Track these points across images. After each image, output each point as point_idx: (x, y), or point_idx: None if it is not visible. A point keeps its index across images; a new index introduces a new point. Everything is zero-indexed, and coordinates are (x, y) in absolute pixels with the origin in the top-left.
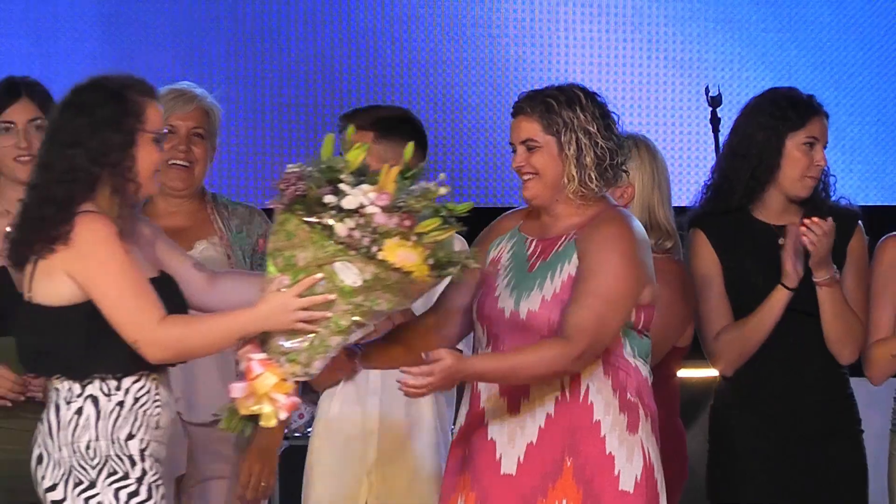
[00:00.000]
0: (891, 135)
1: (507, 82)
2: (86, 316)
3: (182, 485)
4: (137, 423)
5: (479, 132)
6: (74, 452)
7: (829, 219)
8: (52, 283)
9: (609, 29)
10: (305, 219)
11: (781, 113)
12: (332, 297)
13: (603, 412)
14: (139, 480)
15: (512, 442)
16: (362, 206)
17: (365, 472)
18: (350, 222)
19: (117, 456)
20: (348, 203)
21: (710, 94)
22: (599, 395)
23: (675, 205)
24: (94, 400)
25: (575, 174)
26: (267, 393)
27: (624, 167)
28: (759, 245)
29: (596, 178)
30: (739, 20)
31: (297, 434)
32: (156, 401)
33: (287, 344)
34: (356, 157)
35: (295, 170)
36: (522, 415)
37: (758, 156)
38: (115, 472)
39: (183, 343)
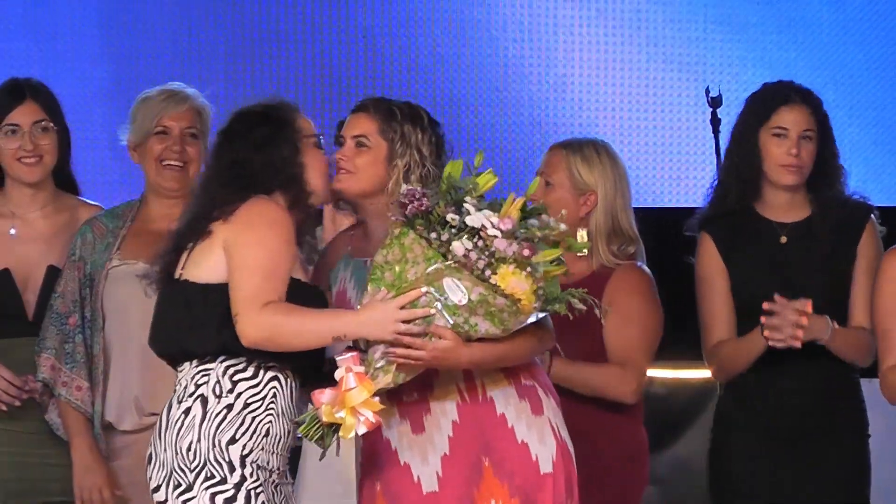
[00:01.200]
0: (891, 135)
1: (507, 83)
2: (226, 295)
3: None
4: (243, 428)
5: (478, 132)
6: (177, 454)
7: (801, 301)
8: (206, 259)
9: (609, 30)
10: (424, 235)
11: (751, 107)
12: (433, 311)
13: (504, 404)
14: (237, 486)
15: (425, 460)
16: (484, 228)
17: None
18: (468, 242)
19: (216, 460)
20: (471, 221)
21: (711, 94)
22: (496, 389)
23: (677, 205)
24: (204, 401)
25: (401, 185)
26: (355, 407)
27: None
28: (763, 244)
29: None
30: (739, 21)
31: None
32: (269, 408)
33: (382, 362)
34: (485, 182)
35: (418, 187)
36: (429, 430)
37: (739, 154)
38: (212, 476)
39: (277, 329)
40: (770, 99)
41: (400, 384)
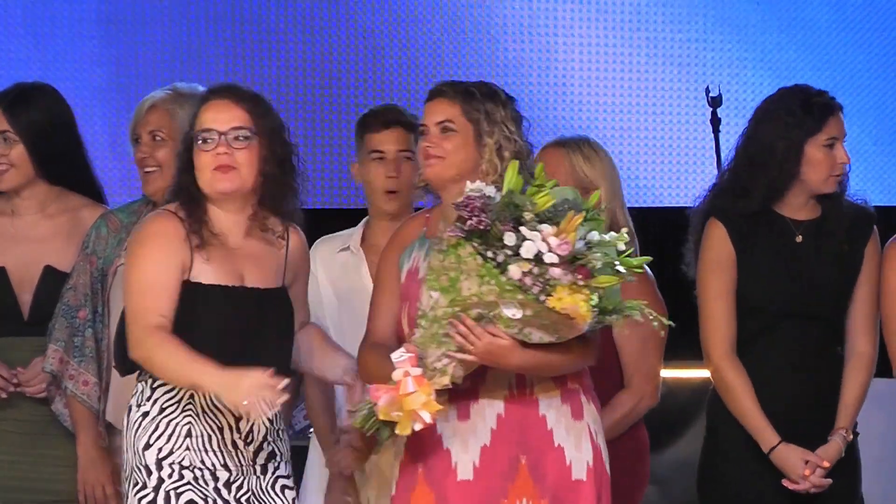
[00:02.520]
0: (891, 135)
1: (507, 83)
2: None
3: None
4: (157, 433)
5: None
6: (134, 455)
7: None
8: None
9: (609, 30)
10: (481, 251)
11: (796, 119)
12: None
13: (547, 406)
14: (156, 489)
15: (465, 448)
16: (540, 254)
17: (362, 484)
18: (525, 266)
19: (136, 466)
20: (527, 251)
21: (711, 94)
22: (543, 391)
23: (676, 205)
24: (129, 411)
25: (497, 164)
26: (413, 410)
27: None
28: (777, 241)
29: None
30: (739, 21)
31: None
32: (185, 410)
33: (440, 364)
34: (544, 202)
35: (476, 193)
36: (473, 419)
37: (778, 165)
38: (136, 483)
39: (149, 358)
40: (820, 108)
41: (458, 383)
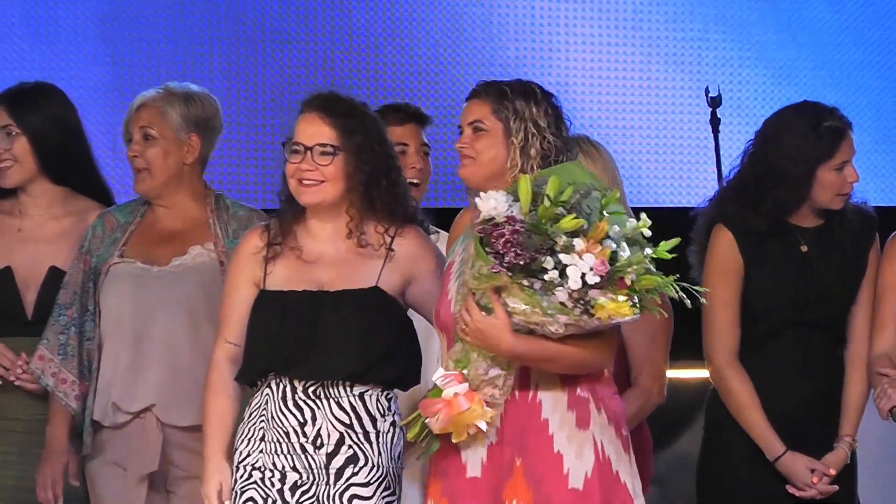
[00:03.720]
0: (891, 135)
1: None
2: None
3: (168, 483)
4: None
5: None
6: None
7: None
8: None
9: (608, 29)
10: (523, 283)
11: (810, 143)
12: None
13: (551, 410)
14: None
15: (473, 444)
16: (584, 278)
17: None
18: (566, 292)
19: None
20: (573, 283)
21: (710, 94)
22: (548, 393)
23: (675, 205)
24: None
25: (519, 161)
26: (470, 423)
27: None
28: (784, 250)
29: (538, 170)
30: (739, 20)
31: None
32: (262, 416)
33: (491, 371)
34: (571, 224)
35: (501, 220)
36: None
37: (788, 189)
38: None
39: (205, 394)
40: (833, 134)
41: (507, 395)
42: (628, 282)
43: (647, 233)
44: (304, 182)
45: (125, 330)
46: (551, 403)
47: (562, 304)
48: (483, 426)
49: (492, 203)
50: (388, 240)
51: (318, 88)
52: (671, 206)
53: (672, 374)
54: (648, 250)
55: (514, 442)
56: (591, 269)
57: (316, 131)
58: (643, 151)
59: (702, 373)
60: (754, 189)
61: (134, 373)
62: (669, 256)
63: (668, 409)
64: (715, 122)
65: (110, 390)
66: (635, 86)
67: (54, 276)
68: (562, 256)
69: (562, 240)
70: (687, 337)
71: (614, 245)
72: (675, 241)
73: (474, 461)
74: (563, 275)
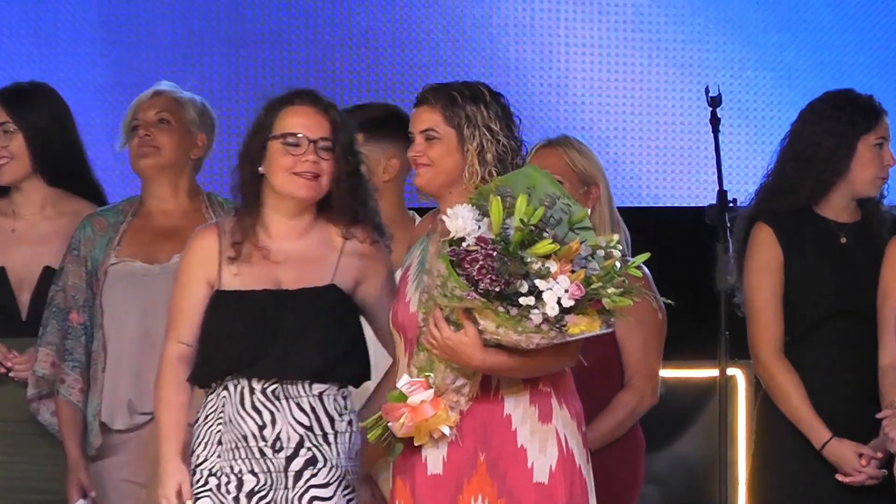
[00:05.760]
0: (892, 136)
1: (507, 83)
2: None
3: None
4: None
5: None
6: None
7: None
8: None
9: (609, 29)
10: (499, 309)
11: (849, 118)
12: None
13: (513, 406)
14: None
15: (436, 442)
16: (559, 302)
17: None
18: (544, 312)
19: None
20: (550, 309)
21: (710, 94)
22: (510, 389)
23: (675, 205)
24: None
25: (478, 169)
26: (434, 428)
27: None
28: (823, 243)
29: (497, 175)
30: (740, 21)
31: None
32: (219, 418)
33: (458, 381)
34: (545, 249)
35: (473, 244)
36: None
37: (826, 160)
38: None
39: (156, 392)
40: (872, 109)
41: (469, 401)
42: (606, 304)
43: (617, 250)
44: (305, 175)
45: (133, 329)
46: (514, 400)
47: (537, 326)
48: (447, 431)
49: (460, 222)
50: (342, 240)
51: (318, 87)
52: (671, 205)
53: (671, 374)
54: (618, 264)
55: (477, 437)
56: (567, 293)
57: (316, 124)
58: (643, 152)
59: (701, 372)
60: (792, 167)
61: (146, 372)
62: (639, 273)
63: (667, 409)
64: (715, 122)
65: (121, 391)
66: (635, 86)
67: (49, 277)
68: (537, 282)
69: (536, 265)
70: (685, 337)
71: (588, 265)
72: (645, 256)
73: (435, 458)
74: (538, 299)
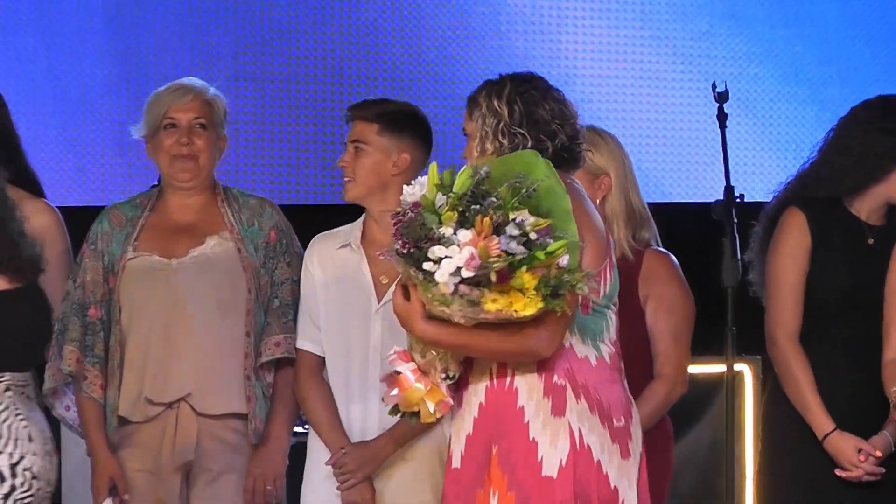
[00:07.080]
0: None
1: None
2: None
3: (192, 475)
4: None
5: None
6: None
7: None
8: None
9: (616, 24)
10: (413, 270)
11: (893, 142)
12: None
13: (527, 397)
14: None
15: (458, 436)
16: (459, 270)
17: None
18: (447, 286)
19: None
20: (439, 275)
21: (717, 89)
22: (524, 381)
23: (682, 200)
24: None
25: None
26: (420, 401)
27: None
28: (851, 239)
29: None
30: (746, 16)
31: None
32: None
33: (428, 355)
34: (447, 217)
35: (408, 200)
36: (464, 407)
37: (874, 162)
38: None
39: None
40: None
41: (452, 374)
42: (526, 281)
43: (534, 236)
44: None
45: (153, 323)
46: (527, 391)
47: (448, 296)
48: (431, 407)
49: (410, 188)
50: None
51: (324, 83)
52: (678, 200)
53: None
54: (542, 222)
55: (491, 429)
56: (463, 264)
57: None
58: (650, 147)
59: (706, 369)
60: (838, 160)
61: (167, 365)
62: (544, 257)
63: (675, 404)
64: (722, 117)
65: (139, 384)
66: (642, 81)
67: None
68: (435, 248)
69: (440, 230)
70: (693, 333)
71: (509, 244)
72: (561, 243)
73: (457, 452)
74: (439, 266)
